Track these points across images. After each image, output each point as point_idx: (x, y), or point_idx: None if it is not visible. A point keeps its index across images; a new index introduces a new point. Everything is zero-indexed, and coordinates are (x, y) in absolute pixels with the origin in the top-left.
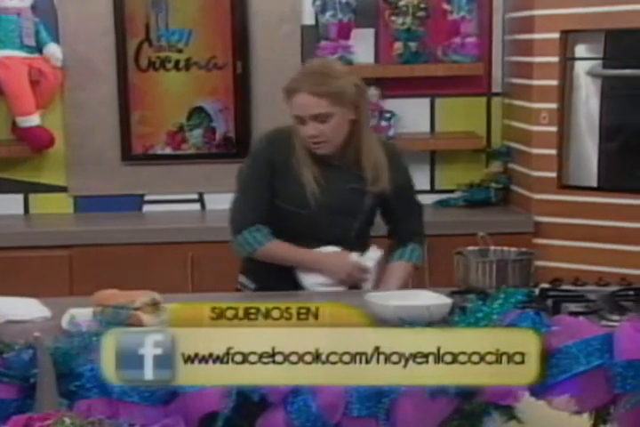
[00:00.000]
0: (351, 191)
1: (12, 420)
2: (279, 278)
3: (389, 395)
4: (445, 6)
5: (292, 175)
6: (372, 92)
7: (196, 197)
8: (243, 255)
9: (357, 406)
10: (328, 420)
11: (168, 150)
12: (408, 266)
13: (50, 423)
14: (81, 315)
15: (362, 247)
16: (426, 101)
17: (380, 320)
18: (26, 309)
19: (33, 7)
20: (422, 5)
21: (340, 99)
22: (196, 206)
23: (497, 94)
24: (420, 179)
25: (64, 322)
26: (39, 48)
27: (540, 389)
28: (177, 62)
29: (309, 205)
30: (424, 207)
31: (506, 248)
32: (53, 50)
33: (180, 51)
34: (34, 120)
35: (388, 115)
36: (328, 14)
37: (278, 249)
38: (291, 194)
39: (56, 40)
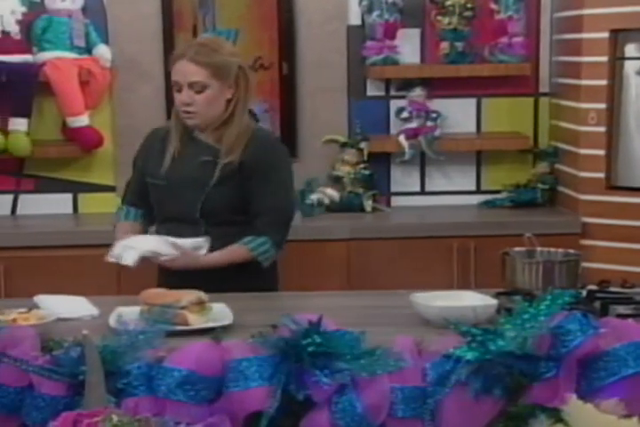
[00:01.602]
0: (203, 163)
1: (62, 416)
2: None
3: (434, 396)
4: (492, 6)
5: (158, 152)
6: (418, 92)
7: None
8: None
9: (402, 407)
10: (373, 420)
11: None
12: (242, 251)
13: (98, 420)
14: (128, 313)
15: (215, 235)
16: (472, 102)
17: (424, 321)
18: (75, 307)
19: (83, 9)
20: (469, 5)
21: (219, 73)
22: None
23: (544, 94)
24: (466, 179)
25: (112, 320)
26: (89, 49)
27: (587, 391)
28: None
29: (165, 176)
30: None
31: (552, 249)
32: (103, 51)
33: None
34: (83, 120)
35: (434, 115)
36: (374, 14)
37: (117, 228)
38: (152, 169)
39: (105, 41)
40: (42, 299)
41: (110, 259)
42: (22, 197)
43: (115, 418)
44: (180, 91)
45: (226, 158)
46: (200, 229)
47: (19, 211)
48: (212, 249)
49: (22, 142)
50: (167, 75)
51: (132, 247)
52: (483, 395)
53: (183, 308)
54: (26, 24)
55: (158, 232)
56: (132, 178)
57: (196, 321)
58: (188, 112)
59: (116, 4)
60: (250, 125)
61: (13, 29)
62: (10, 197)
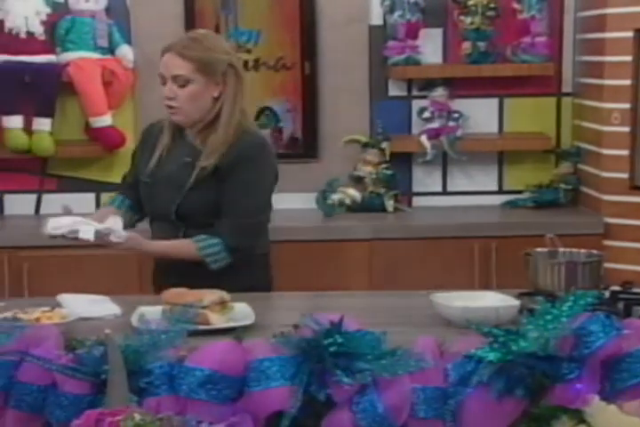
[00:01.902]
0: (184, 165)
1: (85, 414)
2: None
3: (455, 396)
4: (515, 5)
5: (153, 148)
6: (440, 92)
7: None
8: None
9: (423, 408)
10: (394, 421)
11: None
12: (190, 246)
13: (120, 419)
14: (150, 313)
15: (191, 234)
16: (494, 102)
17: (445, 321)
18: (97, 306)
19: (107, 9)
20: (492, 5)
21: (205, 68)
22: None
23: (567, 94)
24: (488, 180)
25: (134, 320)
26: (112, 49)
27: (610, 393)
28: (246, 62)
29: (150, 173)
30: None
31: (575, 250)
32: (125, 51)
33: (248, 51)
34: (106, 120)
35: (455, 115)
36: (396, 14)
37: (101, 209)
38: (143, 164)
39: (128, 41)
40: (65, 298)
41: (55, 231)
42: (45, 197)
43: (137, 417)
44: (164, 84)
45: (205, 161)
46: (178, 231)
47: (42, 210)
48: None
49: (46, 142)
50: None
51: (87, 223)
52: (505, 396)
53: (205, 307)
54: (50, 25)
55: (150, 229)
56: (127, 171)
57: (217, 321)
58: (171, 107)
59: (139, 4)
60: (240, 127)
61: (38, 30)
62: (33, 197)
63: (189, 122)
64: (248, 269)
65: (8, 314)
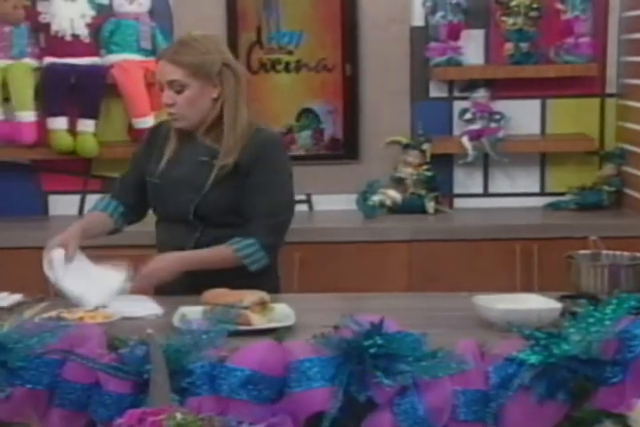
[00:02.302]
0: (200, 164)
1: (128, 413)
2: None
3: (497, 399)
4: (559, 6)
5: (161, 150)
6: (482, 93)
7: (303, 197)
8: None
9: (464, 410)
10: (435, 423)
11: None
12: (226, 252)
13: (162, 418)
14: (191, 313)
15: (210, 237)
16: (536, 103)
17: (486, 323)
18: (139, 306)
19: (150, 12)
20: (535, 5)
21: (197, 72)
22: (304, 207)
23: (611, 95)
24: (530, 181)
25: (175, 320)
26: (154, 51)
27: None
28: (287, 64)
29: (161, 175)
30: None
31: (618, 252)
32: None
33: (290, 53)
34: (149, 122)
35: (497, 116)
36: (438, 15)
37: (86, 216)
38: (152, 168)
39: (171, 43)
40: None
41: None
42: (89, 198)
43: (179, 416)
44: (163, 90)
45: (223, 160)
46: (195, 231)
47: (86, 211)
48: None
49: (90, 143)
50: None
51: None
52: (546, 399)
53: (246, 308)
54: (94, 27)
55: (157, 232)
56: (126, 173)
57: (258, 321)
58: (172, 114)
59: (181, 6)
60: (252, 125)
61: (83, 33)
62: (77, 198)
63: (191, 126)
64: (256, 273)
65: (52, 313)
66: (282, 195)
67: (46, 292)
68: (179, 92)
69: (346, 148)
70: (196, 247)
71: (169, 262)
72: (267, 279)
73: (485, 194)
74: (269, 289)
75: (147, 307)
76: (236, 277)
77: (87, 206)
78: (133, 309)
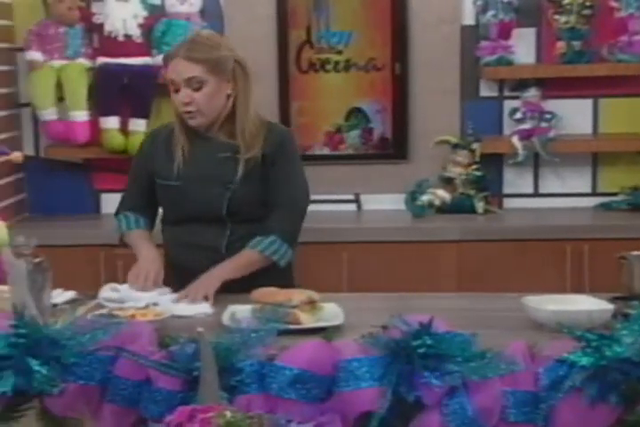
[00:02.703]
0: (223, 160)
1: (178, 410)
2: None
3: (547, 401)
4: (613, 3)
5: (167, 153)
6: (533, 92)
7: (352, 197)
8: (118, 238)
9: (514, 412)
10: (484, 424)
11: (326, 151)
12: (253, 255)
13: (212, 416)
14: (240, 312)
15: (241, 232)
16: (588, 102)
17: (536, 324)
18: (189, 304)
19: (201, 12)
20: (588, 3)
21: (214, 68)
22: (352, 207)
23: None
24: (582, 181)
25: (225, 318)
26: None
27: None
28: (336, 63)
29: (179, 176)
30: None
31: None
32: None
33: (339, 52)
34: None
35: (548, 116)
36: (489, 14)
37: (131, 238)
38: (163, 170)
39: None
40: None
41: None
42: None
43: (228, 414)
44: (177, 91)
45: (247, 153)
46: (225, 227)
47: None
48: (233, 247)
49: None
50: (281, 76)
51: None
52: (598, 402)
53: (295, 307)
54: (147, 27)
55: (174, 234)
56: (130, 184)
57: (307, 320)
58: (190, 112)
59: (232, 5)
60: (262, 119)
61: (135, 33)
62: None
63: (207, 123)
64: (272, 270)
65: (104, 311)
66: (301, 184)
67: (98, 289)
68: (197, 89)
69: (395, 147)
70: (228, 245)
71: (215, 280)
72: (281, 275)
73: (536, 194)
74: (284, 285)
75: (197, 305)
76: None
77: None
78: (184, 307)
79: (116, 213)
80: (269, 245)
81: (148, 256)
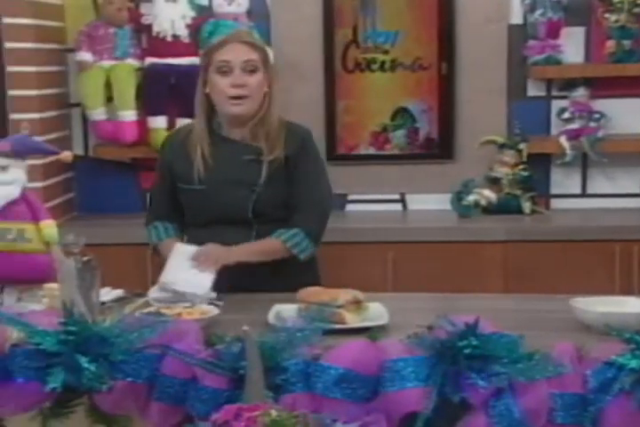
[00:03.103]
0: (247, 162)
1: (225, 409)
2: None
3: (595, 404)
4: None
5: (186, 157)
6: (582, 92)
7: (397, 197)
8: (151, 248)
9: (562, 414)
10: (531, 426)
11: (371, 151)
12: (276, 243)
13: (258, 414)
14: (286, 311)
15: (267, 233)
16: (638, 102)
17: (584, 326)
18: (192, 281)
19: (248, 12)
20: (639, 1)
21: (265, 59)
22: (398, 207)
23: None
24: (631, 181)
25: (270, 317)
26: None
27: None
28: (382, 63)
29: (202, 179)
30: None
31: None
32: None
33: (386, 52)
34: None
35: (597, 115)
36: (537, 13)
37: (163, 248)
38: (185, 174)
39: (268, 44)
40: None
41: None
42: None
43: (274, 413)
44: (227, 73)
45: (270, 155)
46: (250, 229)
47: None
48: None
49: None
50: (327, 75)
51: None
52: None
53: (340, 306)
54: (194, 28)
55: (199, 236)
56: (156, 191)
57: (352, 320)
58: (239, 97)
59: (279, 6)
60: (282, 119)
61: (183, 33)
62: None
63: (249, 114)
64: (297, 268)
65: (152, 309)
66: (325, 184)
67: (145, 287)
68: (251, 73)
69: (441, 147)
70: None
71: (230, 256)
72: (306, 273)
73: (584, 194)
74: (309, 283)
75: (198, 280)
76: (274, 273)
77: None
78: (185, 280)
79: (146, 224)
80: (292, 236)
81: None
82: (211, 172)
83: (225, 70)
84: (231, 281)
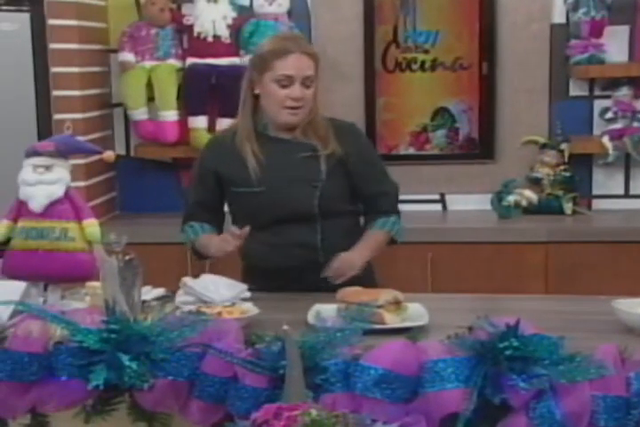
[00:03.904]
0: (304, 159)
1: (264, 408)
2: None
3: (638, 407)
4: None
5: (238, 159)
6: (625, 91)
7: (437, 197)
8: (189, 249)
9: (604, 417)
10: None
11: (411, 150)
12: (384, 234)
13: (298, 414)
14: (326, 311)
15: (331, 227)
16: None
17: (627, 328)
18: (212, 291)
19: (289, 12)
20: None
21: (317, 64)
22: (438, 207)
23: None
24: None
25: (310, 317)
26: None
27: None
28: (423, 63)
29: (260, 181)
30: None
31: None
32: None
33: (426, 52)
34: None
35: None
36: (581, 12)
37: (200, 242)
38: (239, 177)
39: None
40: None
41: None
42: None
43: (314, 412)
44: (287, 86)
45: (326, 150)
46: (315, 224)
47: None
48: (327, 243)
49: None
50: (367, 75)
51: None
52: None
53: (380, 307)
54: (235, 28)
55: (260, 237)
56: (193, 195)
57: (392, 320)
58: (297, 108)
59: (320, 6)
60: (325, 117)
61: (224, 34)
62: None
63: (302, 122)
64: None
65: (192, 308)
66: (384, 166)
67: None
68: (308, 87)
69: (481, 147)
70: (323, 240)
71: (358, 261)
72: (365, 276)
73: (626, 195)
74: (368, 285)
75: (215, 294)
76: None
77: None
78: (205, 292)
79: (182, 230)
80: (393, 224)
81: (217, 237)
82: (268, 172)
83: (285, 84)
84: (295, 280)
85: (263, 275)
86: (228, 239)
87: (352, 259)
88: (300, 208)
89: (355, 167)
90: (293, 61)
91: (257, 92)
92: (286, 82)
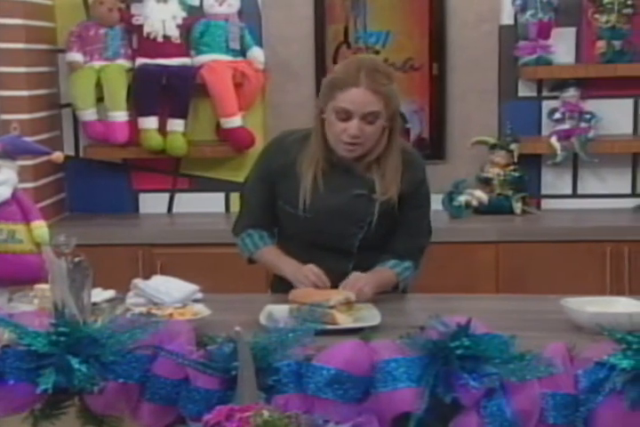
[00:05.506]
0: (357, 197)
1: (217, 410)
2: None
3: (587, 404)
4: None
5: (295, 176)
6: (572, 92)
7: None
8: (245, 257)
9: (553, 414)
10: (523, 426)
11: None
12: (392, 276)
13: (250, 415)
14: (278, 311)
15: (367, 262)
16: (629, 102)
17: (575, 327)
18: (165, 293)
19: (239, 12)
20: (629, 2)
21: (389, 101)
22: None
23: None
24: (621, 182)
25: (262, 318)
26: (243, 52)
27: None
28: None
29: (307, 206)
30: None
31: None
32: (257, 53)
33: (377, 52)
34: (236, 121)
35: (587, 116)
36: (528, 13)
37: (263, 256)
38: (290, 195)
39: (259, 44)
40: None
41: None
42: (178, 196)
43: (266, 414)
44: (345, 120)
45: (384, 195)
46: (350, 257)
47: (174, 209)
48: (358, 270)
49: (179, 143)
50: (318, 76)
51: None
52: (639, 405)
53: (332, 307)
54: (185, 28)
55: (294, 253)
56: (252, 196)
57: (344, 321)
58: (354, 144)
59: (270, 7)
60: (400, 148)
61: (174, 34)
62: (167, 196)
63: (360, 156)
64: None
65: (143, 309)
66: (429, 216)
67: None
68: (370, 123)
69: (432, 147)
70: (354, 269)
71: (371, 285)
72: None
73: (574, 195)
74: None
75: (166, 295)
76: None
77: (176, 204)
78: (156, 294)
79: (237, 233)
80: (405, 270)
81: (295, 265)
82: (318, 201)
83: (343, 117)
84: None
85: (291, 288)
86: (309, 276)
87: (367, 281)
88: (340, 244)
89: (402, 213)
90: (354, 96)
91: (323, 116)
92: (344, 115)
